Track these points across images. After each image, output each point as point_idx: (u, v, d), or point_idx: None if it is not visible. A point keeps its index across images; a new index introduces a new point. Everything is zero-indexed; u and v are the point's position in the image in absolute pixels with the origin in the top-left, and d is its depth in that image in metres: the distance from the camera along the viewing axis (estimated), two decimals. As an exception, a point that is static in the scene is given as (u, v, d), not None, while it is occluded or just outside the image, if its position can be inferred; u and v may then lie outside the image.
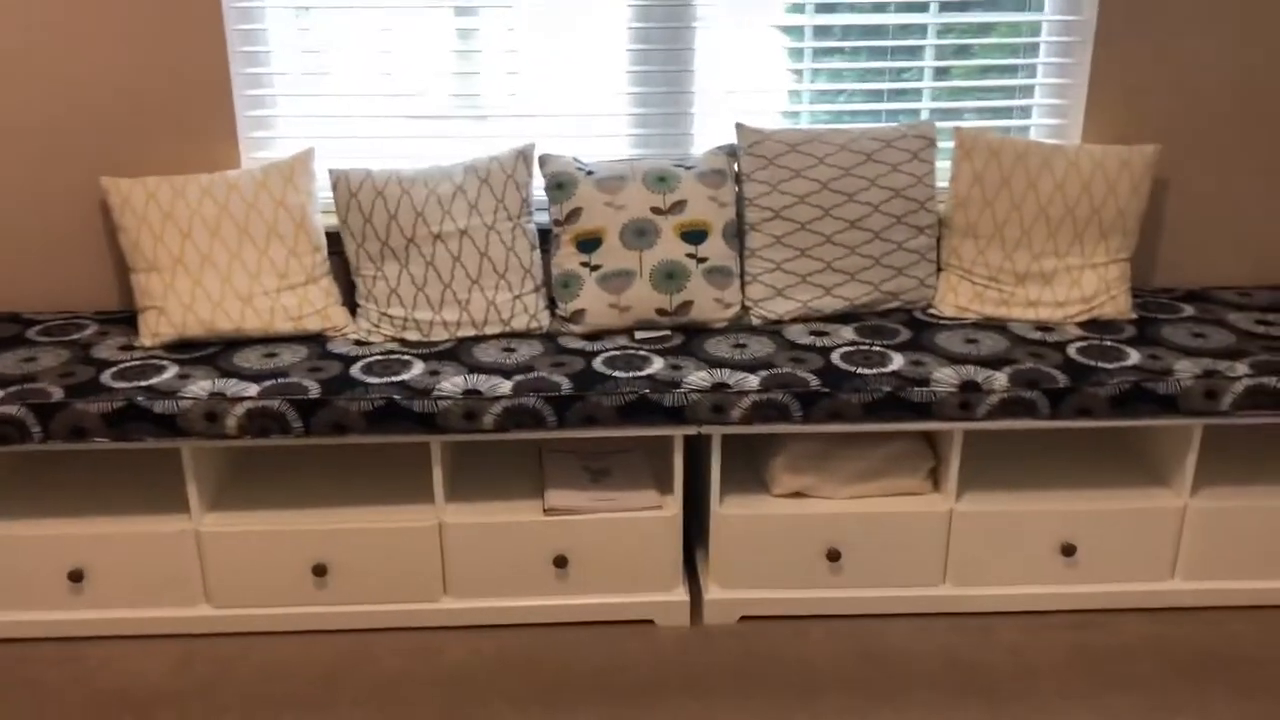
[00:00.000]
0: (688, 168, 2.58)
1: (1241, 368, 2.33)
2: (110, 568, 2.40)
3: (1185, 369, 2.33)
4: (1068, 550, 2.44)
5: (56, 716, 2.20)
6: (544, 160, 2.59)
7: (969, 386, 2.30)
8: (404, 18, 2.66)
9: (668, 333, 2.57)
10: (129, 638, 2.44)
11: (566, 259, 2.55)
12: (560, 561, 2.42)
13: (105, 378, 2.33)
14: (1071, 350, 2.43)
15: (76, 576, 2.38)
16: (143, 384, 2.30)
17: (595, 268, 2.53)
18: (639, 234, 2.52)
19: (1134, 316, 2.61)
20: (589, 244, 2.53)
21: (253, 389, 2.28)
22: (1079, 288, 2.57)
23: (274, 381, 2.31)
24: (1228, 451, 2.65)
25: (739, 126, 2.62)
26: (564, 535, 2.41)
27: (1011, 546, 2.45)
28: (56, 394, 2.26)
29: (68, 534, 2.37)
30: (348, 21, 2.65)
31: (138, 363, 2.41)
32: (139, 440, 2.27)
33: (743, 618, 2.49)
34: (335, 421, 2.27)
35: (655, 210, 2.54)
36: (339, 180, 2.53)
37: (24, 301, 2.76)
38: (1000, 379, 2.31)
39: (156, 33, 2.57)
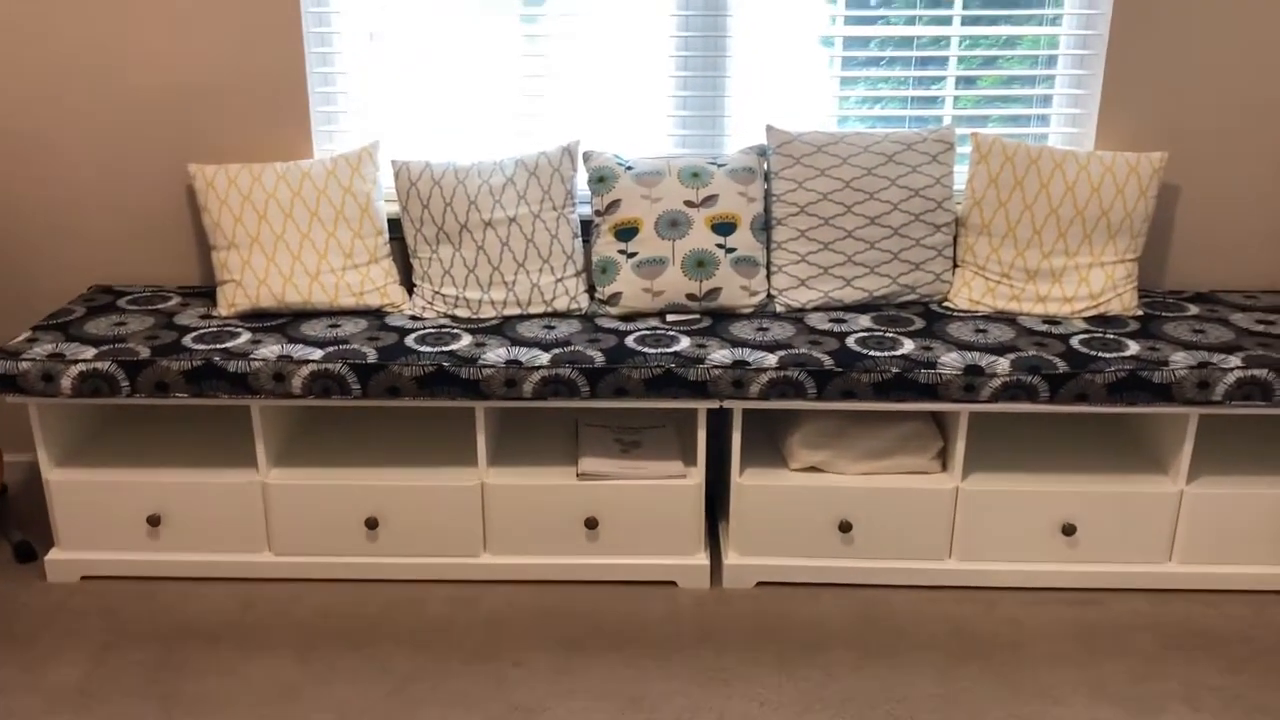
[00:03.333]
0: (720, 165, 2.79)
1: (1234, 360, 2.47)
2: (185, 514, 2.65)
3: (1181, 360, 2.48)
4: (1068, 530, 2.59)
5: (129, 642, 2.45)
6: (588, 156, 2.81)
7: (973, 370, 2.47)
8: (465, 25, 2.90)
9: (697, 316, 2.77)
10: (198, 579, 2.69)
11: (605, 246, 2.77)
12: (591, 523, 2.62)
13: (186, 341, 2.59)
14: (1075, 341, 2.58)
15: (154, 521, 2.63)
16: (219, 346, 2.55)
17: (631, 255, 2.74)
18: (673, 225, 2.73)
19: (1139, 313, 2.76)
20: (626, 233, 2.75)
21: (317, 353, 2.52)
22: (1087, 285, 2.73)
23: (336, 348, 2.55)
24: (1223, 441, 2.78)
25: (769, 128, 2.82)
26: (595, 499, 2.62)
27: (1014, 525, 2.61)
28: (144, 353, 2.52)
29: (148, 482, 2.63)
30: (413, 35, 2.90)
31: (215, 329, 2.66)
32: (214, 397, 2.52)
33: (759, 583, 2.67)
34: (389, 385, 2.50)
35: (688, 203, 2.74)
36: (400, 170, 2.77)
37: (116, 275, 3.05)
38: (1003, 364, 2.47)
39: (241, 34, 2.84)
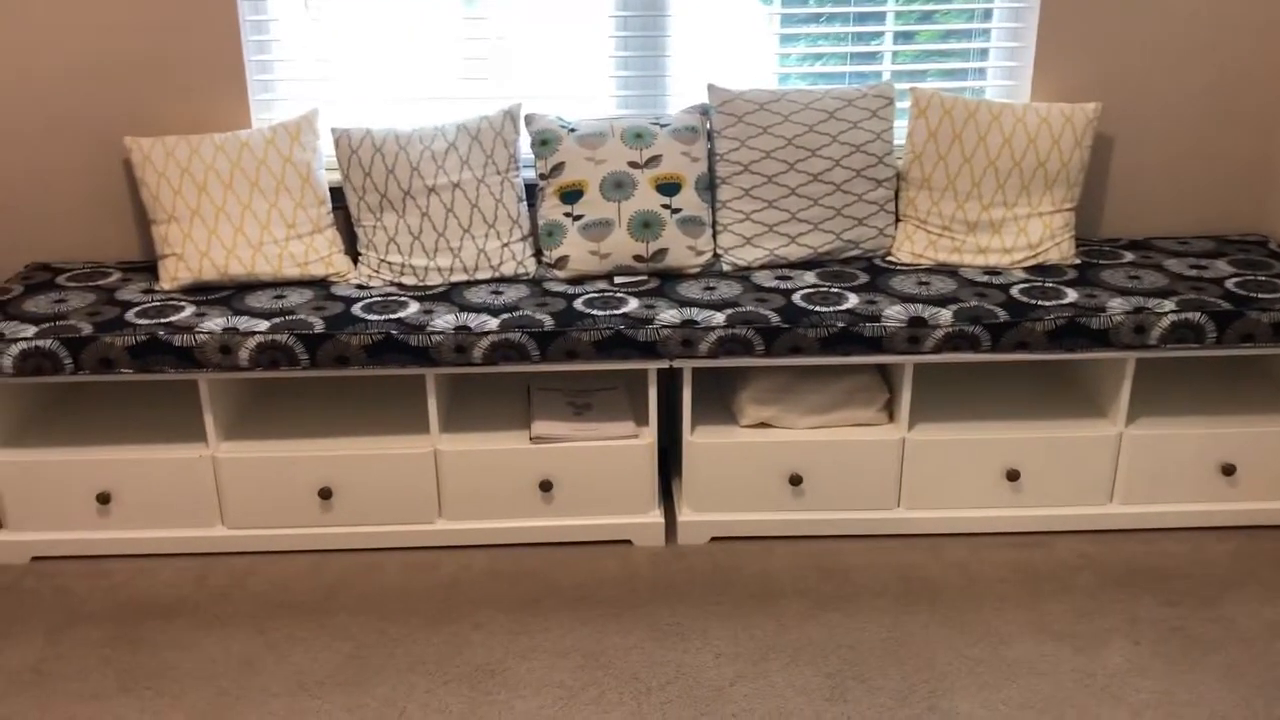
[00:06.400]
0: (663, 125, 2.79)
1: (1168, 305, 2.54)
2: (135, 491, 2.63)
3: (1117, 306, 2.54)
4: (1012, 476, 2.65)
5: (84, 621, 2.44)
6: (530, 119, 2.80)
7: (916, 322, 2.51)
8: (401, -12, 2.87)
9: (644, 277, 2.78)
10: (151, 556, 2.67)
11: (551, 210, 2.77)
12: (545, 486, 2.64)
13: (129, 316, 2.56)
14: (1015, 291, 2.63)
15: (104, 499, 2.61)
16: (163, 321, 2.53)
17: (577, 218, 2.74)
18: (617, 186, 2.74)
19: (1077, 262, 2.81)
20: (571, 195, 2.75)
21: (263, 325, 2.51)
22: (1025, 235, 2.78)
23: (283, 319, 2.53)
24: (1160, 384, 2.85)
25: (711, 87, 2.83)
26: (548, 462, 2.63)
27: (960, 473, 2.66)
28: (86, 329, 2.49)
29: (96, 460, 2.60)
30: (350, 1, 2.88)
31: (158, 303, 2.64)
32: (160, 371, 2.50)
33: (713, 538, 2.71)
34: (338, 354, 2.49)
35: (632, 164, 2.75)
36: (341, 138, 2.75)
37: (54, 253, 2.99)
38: (945, 315, 2.52)
39: (174, 3, 2.79)
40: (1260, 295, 2.58)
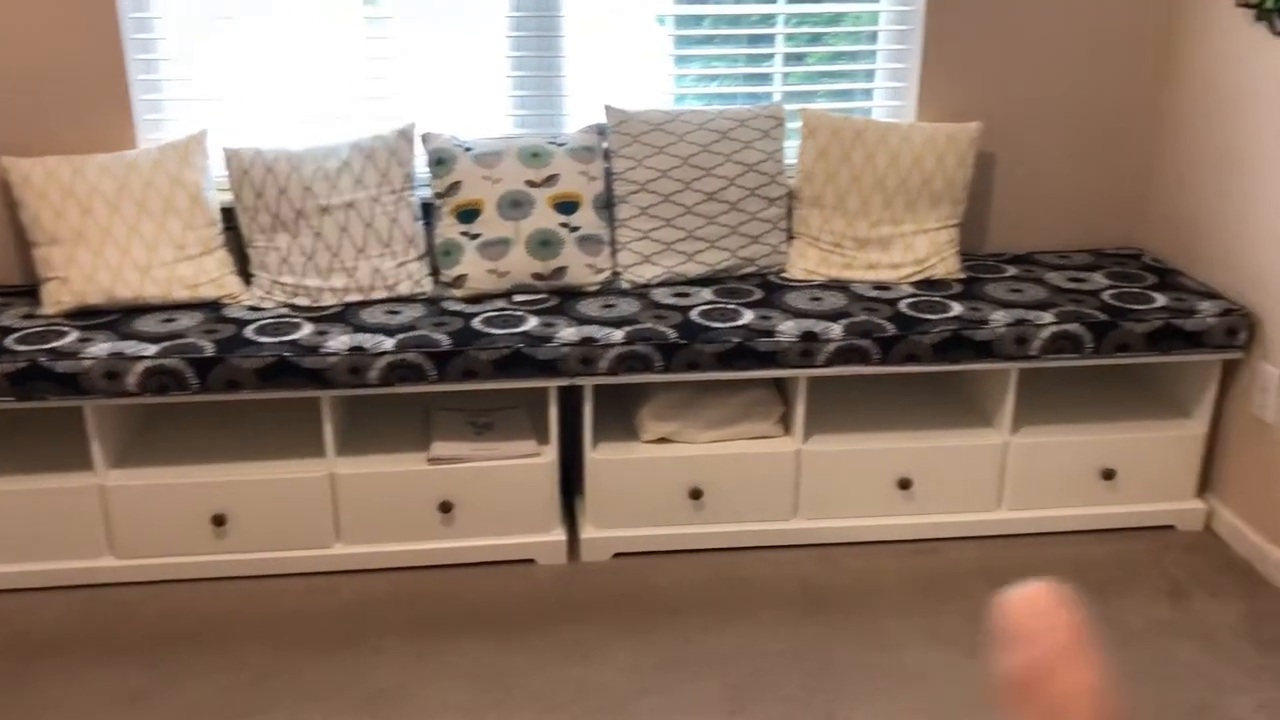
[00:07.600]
0: (560, 144, 2.81)
1: (1047, 317, 2.64)
2: (17, 524, 2.54)
3: (999, 318, 2.63)
4: (905, 484, 2.72)
5: (-33, 659, 2.35)
6: (426, 138, 2.80)
7: (808, 336, 2.56)
8: (300, 7, 2.84)
9: (544, 296, 2.79)
10: (35, 590, 2.58)
11: (447, 229, 2.76)
12: (445, 507, 2.62)
13: (8, 342, 2.47)
14: (903, 305, 2.71)
15: (-17, 532, 2.52)
16: (45, 347, 2.45)
17: (475, 236, 2.74)
18: (515, 205, 2.75)
19: (962, 276, 2.91)
20: (468, 214, 2.75)
21: (151, 349, 2.45)
22: (912, 251, 2.86)
23: (172, 342, 2.48)
24: (1042, 392, 2.96)
25: (607, 107, 2.86)
26: (448, 483, 2.62)
27: (854, 482, 2.73)
28: (-38, 357, 2.40)
29: (-26, 492, 2.51)
30: (237, 11, 2.83)
31: (40, 329, 2.56)
32: (42, 399, 2.42)
33: (616, 554, 2.72)
34: (229, 378, 2.45)
35: (530, 183, 2.76)
36: (232, 158, 2.71)
37: (-73, 277, 2.88)
38: (836, 329, 2.58)
39: (50, 21, 2.72)
40: (1134, 306, 2.70)
